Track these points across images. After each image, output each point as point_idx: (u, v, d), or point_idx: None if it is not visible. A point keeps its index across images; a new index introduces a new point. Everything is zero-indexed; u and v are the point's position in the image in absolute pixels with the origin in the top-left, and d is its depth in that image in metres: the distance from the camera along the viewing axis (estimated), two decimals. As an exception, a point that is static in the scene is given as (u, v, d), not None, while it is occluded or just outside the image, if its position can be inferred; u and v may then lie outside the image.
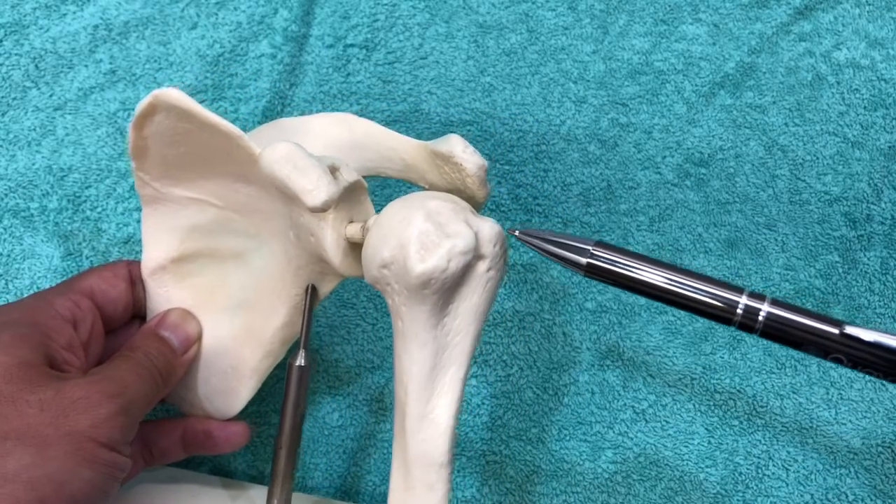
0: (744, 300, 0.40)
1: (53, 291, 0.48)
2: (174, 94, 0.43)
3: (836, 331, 0.39)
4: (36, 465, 0.39)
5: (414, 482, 0.43)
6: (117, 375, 0.45)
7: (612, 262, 0.42)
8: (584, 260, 0.42)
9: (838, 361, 0.39)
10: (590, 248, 0.42)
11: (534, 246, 0.43)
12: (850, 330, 0.39)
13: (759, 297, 0.40)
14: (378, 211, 0.45)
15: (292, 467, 0.49)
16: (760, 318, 0.40)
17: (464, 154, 0.45)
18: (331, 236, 0.44)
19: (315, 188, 0.41)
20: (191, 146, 0.46)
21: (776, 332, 0.40)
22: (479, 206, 0.47)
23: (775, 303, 0.40)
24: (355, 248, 0.45)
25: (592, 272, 0.42)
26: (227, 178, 0.48)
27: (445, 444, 0.43)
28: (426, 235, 0.41)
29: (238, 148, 0.44)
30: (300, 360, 0.49)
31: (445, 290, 0.42)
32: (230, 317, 0.51)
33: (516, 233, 0.43)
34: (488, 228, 0.43)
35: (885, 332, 0.39)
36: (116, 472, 0.43)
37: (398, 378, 0.44)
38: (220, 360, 0.51)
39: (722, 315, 0.40)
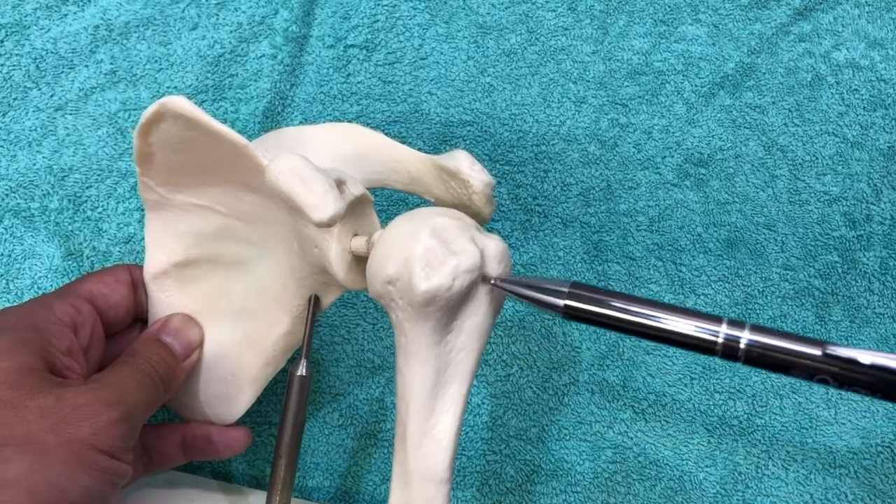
0: (724, 329, 0.40)
1: (53, 296, 0.48)
2: (181, 103, 0.43)
3: (818, 352, 0.38)
4: (36, 472, 0.39)
5: (413, 496, 0.43)
6: (118, 382, 0.45)
7: (590, 301, 0.41)
8: (561, 302, 0.42)
9: (824, 382, 0.39)
10: (566, 289, 0.42)
11: (511, 292, 0.43)
12: (832, 350, 0.38)
13: (739, 324, 0.40)
14: (384, 224, 0.45)
15: (291, 475, 0.49)
16: (742, 345, 0.39)
17: (470, 171, 0.45)
18: (335, 249, 0.44)
19: (321, 203, 0.41)
20: (196, 153, 0.46)
21: (759, 357, 0.39)
22: (484, 222, 0.47)
23: (755, 329, 0.39)
24: (360, 261, 0.45)
25: (570, 313, 0.42)
26: (232, 186, 0.48)
27: (446, 461, 0.43)
28: (431, 253, 0.41)
29: (244, 157, 0.44)
30: (301, 370, 0.49)
31: (450, 307, 0.42)
32: (232, 324, 0.51)
33: (492, 281, 0.43)
34: (493, 246, 0.43)
35: (865, 349, 0.38)
36: (117, 480, 0.43)
37: (399, 393, 0.44)
38: (221, 366, 0.51)
39: (704, 346, 0.40)
